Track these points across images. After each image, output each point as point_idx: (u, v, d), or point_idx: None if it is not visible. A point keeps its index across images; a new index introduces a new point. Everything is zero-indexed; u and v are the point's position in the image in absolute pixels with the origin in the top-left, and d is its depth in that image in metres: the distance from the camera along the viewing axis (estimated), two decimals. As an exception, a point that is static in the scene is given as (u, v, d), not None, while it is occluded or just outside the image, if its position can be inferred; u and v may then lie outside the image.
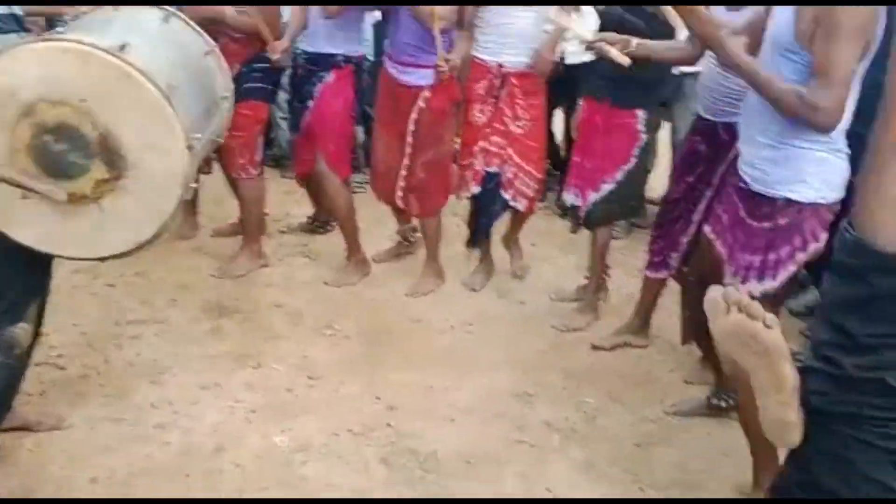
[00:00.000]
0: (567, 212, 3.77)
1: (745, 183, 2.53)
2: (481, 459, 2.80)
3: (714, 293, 1.40)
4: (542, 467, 2.78)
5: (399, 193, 3.88)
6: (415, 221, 4.16)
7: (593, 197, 3.55)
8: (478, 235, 4.02)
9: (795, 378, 1.31)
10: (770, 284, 2.44)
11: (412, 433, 2.90)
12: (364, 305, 3.79)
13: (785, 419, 1.32)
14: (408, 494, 2.60)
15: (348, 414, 2.98)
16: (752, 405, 1.41)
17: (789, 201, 2.38)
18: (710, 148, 3.07)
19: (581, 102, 3.67)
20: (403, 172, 3.83)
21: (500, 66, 3.67)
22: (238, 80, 3.29)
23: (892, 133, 1.22)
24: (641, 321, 3.53)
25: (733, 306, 1.36)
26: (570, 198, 3.65)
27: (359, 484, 2.64)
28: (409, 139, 3.77)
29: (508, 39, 3.64)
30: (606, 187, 3.52)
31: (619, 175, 3.49)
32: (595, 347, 3.50)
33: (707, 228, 2.73)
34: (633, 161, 3.47)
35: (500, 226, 4.08)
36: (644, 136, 3.45)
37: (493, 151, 3.77)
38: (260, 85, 3.78)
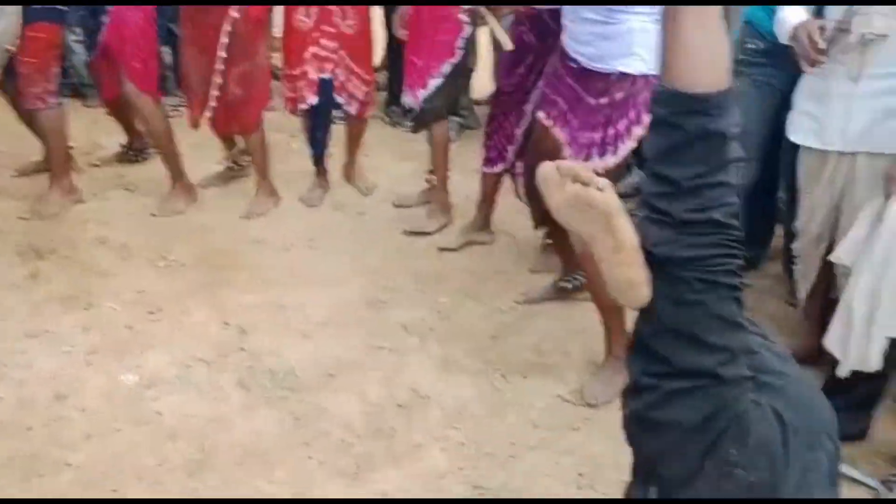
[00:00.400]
0: (407, 115, 3.70)
1: (577, 62, 2.56)
2: (342, 370, 2.76)
3: (545, 168, 1.40)
4: (402, 369, 2.78)
5: (208, 114, 3.64)
6: (242, 143, 3.94)
7: (423, 94, 3.49)
8: (318, 151, 3.88)
9: (634, 236, 1.35)
10: (612, 160, 2.51)
11: (267, 353, 2.81)
12: (197, 232, 3.59)
13: (631, 278, 1.34)
14: (270, 415, 2.53)
15: (197, 343, 2.84)
16: (599, 275, 1.43)
17: (623, 74, 2.44)
18: (538, 37, 3.07)
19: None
20: (215, 92, 3.57)
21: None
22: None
23: None
24: (484, 218, 3.57)
25: (566, 177, 1.37)
26: (408, 100, 3.59)
27: (217, 411, 2.54)
28: (222, 53, 3.52)
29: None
30: (434, 83, 3.46)
31: (444, 68, 3.44)
32: (442, 249, 3.51)
33: (541, 115, 2.76)
34: (458, 54, 3.42)
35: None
36: (468, 28, 3.41)
37: (325, 56, 3.62)
38: (49, 6, 3.40)
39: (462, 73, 3.55)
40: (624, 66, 2.40)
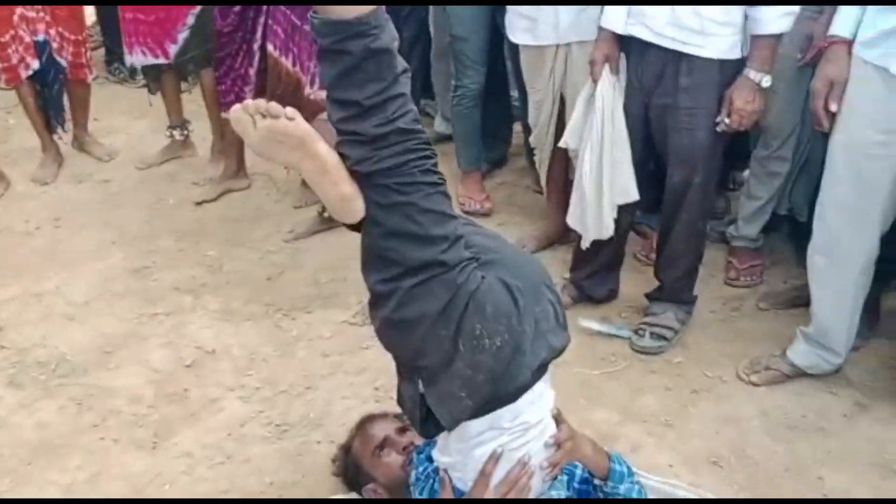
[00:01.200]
0: (138, 73, 3.51)
1: None
2: (118, 344, 2.67)
3: (234, 110, 1.44)
4: (182, 330, 2.73)
5: None
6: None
7: (175, 49, 3.34)
8: (52, 117, 3.60)
9: (334, 155, 1.44)
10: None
11: (33, 345, 2.65)
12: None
13: (342, 195, 1.44)
14: (50, 405, 2.41)
15: (-52, 352, 2.62)
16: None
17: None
18: None
19: None
20: None
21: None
22: None
23: None
24: (236, 163, 3.51)
25: (256, 115, 1.42)
26: (139, 59, 3.40)
27: (-10, 416, 2.38)
28: None
29: None
30: (183, 35, 3.33)
31: (190, 20, 3.31)
32: (199, 203, 3.43)
33: (269, 48, 2.75)
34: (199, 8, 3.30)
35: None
36: None
37: (34, 17, 3.34)
38: None
39: (207, 16, 3.38)
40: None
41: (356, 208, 1.44)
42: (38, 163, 3.67)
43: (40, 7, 3.35)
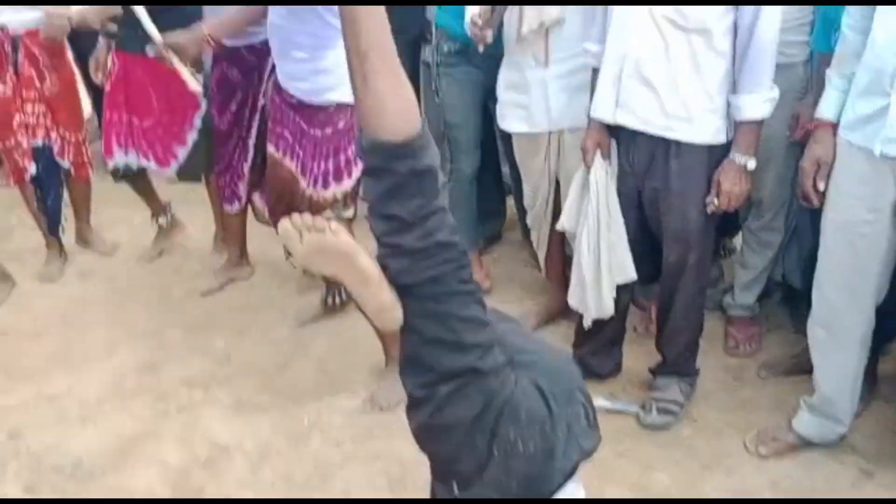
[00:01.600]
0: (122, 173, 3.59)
1: (295, 97, 2.67)
2: (133, 444, 2.69)
3: (283, 225, 1.52)
4: (196, 425, 2.76)
5: None
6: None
7: (184, 152, 3.45)
8: (52, 220, 3.67)
9: (375, 268, 1.51)
10: (348, 183, 2.65)
11: (48, 450, 2.67)
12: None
13: (382, 305, 1.50)
14: (69, 511, 2.44)
15: (-35, 461, 2.64)
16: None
17: (339, 105, 2.57)
18: (242, 73, 3.13)
19: (110, 57, 3.43)
20: None
21: (2, 28, 3.29)
22: None
23: (361, 40, 1.39)
24: (238, 253, 3.59)
25: (303, 229, 1.50)
26: (122, 159, 3.50)
27: (10, 526, 2.40)
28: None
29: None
30: (192, 137, 3.44)
31: (197, 121, 3.42)
32: (205, 294, 3.49)
33: (271, 149, 2.84)
34: (204, 106, 3.40)
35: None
36: (199, 74, 3.39)
37: (34, 123, 3.43)
38: None
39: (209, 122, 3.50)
40: (341, 96, 2.53)
41: (395, 317, 1.50)
42: (43, 260, 3.73)
43: (39, 111, 3.45)
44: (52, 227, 3.70)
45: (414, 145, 1.42)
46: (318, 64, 2.52)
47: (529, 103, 2.80)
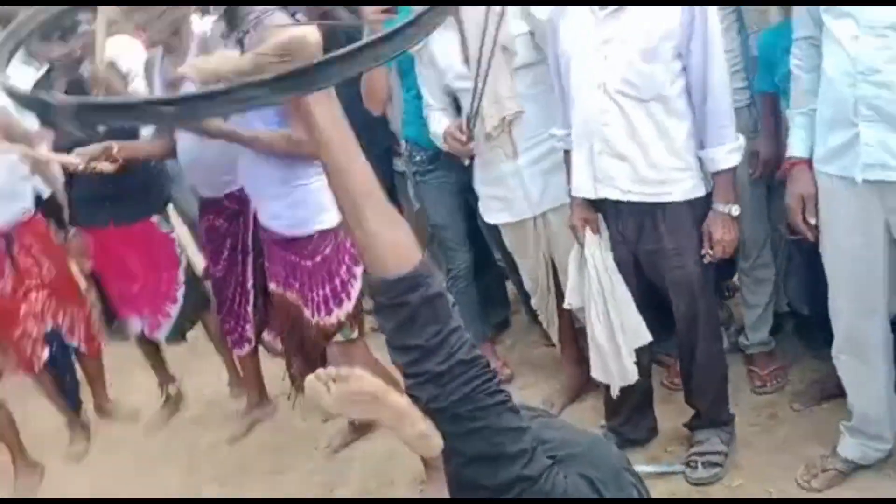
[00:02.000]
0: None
1: (278, 233, 2.75)
2: None
3: (308, 383, 1.55)
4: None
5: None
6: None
7: (175, 309, 3.51)
8: (72, 400, 3.71)
9: (405, 399, 1.54)
10: (349, 305, 2.71)
11: None
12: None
13: (420, 433, 1.52)
14: None
15: None
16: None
17: (322, 232, 2.65)
18: (226, 221, 3.21)
19: (82, 236, 3.50)
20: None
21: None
22: None
23: (349, 187, 1.45)
24: (258, 393, 3.60)
25: (328, 382, 1.53)
26: (137, 324, 3.57)
27: None
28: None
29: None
30: (180, 294, 3.50)
31: (181, 282, 3.50)
32: (233, 441, 3.49)
33: (272, 285, 2.91)
34: (183, 259, 3.49)
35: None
36: (174, 234, 3.48)
37: (40, 309, 3.49)
38: None
39: (192, 273, 3.57)
40: (320, 224, 2.63)
41: (435, 444, 1.52)
42: (68, 440, 3.73)
43: (43, 297, 3.50)
44: (72, 406, 3.72)
45: (420, 274, 1.47)
46: (290, 197, 2.61)
47: (508, 194, 2.89)
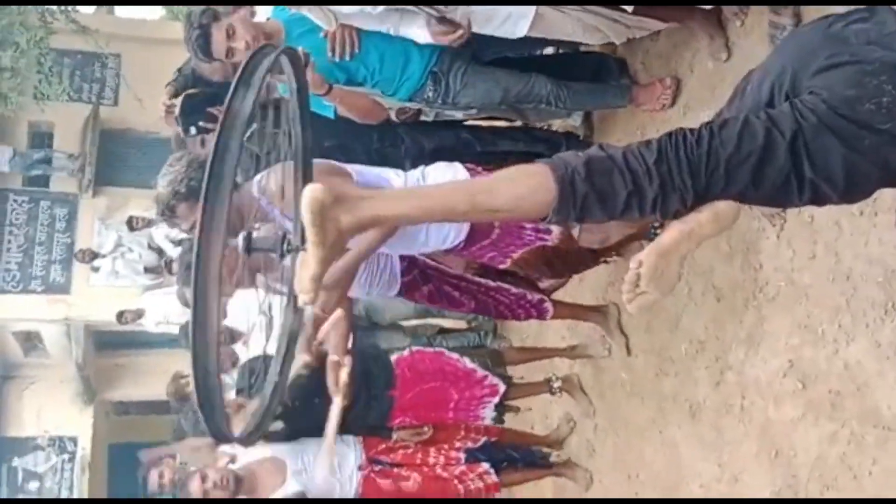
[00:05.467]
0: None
1: (447, 251, 2.82)
2: None
3: (638, 302, 1.64)
4: None
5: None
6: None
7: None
8: None
9: (679, 227, 1.57)
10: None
11: None
12: None
13: (714, 225, 1.57)
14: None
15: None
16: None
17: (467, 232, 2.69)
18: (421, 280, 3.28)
19: None
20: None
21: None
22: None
23: (443, 207, 1.53)
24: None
25: (635, 290, 1.62)
26: None
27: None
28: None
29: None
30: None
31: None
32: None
33: (497, 271, 3.08)
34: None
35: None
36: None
37: None
38: None
39: None
40: (457, 228, 2.66)
41: (729, 213, 1.57)
42: None
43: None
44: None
45: (565, 180, 1.48)
46: (423, 233, 2.69)
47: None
